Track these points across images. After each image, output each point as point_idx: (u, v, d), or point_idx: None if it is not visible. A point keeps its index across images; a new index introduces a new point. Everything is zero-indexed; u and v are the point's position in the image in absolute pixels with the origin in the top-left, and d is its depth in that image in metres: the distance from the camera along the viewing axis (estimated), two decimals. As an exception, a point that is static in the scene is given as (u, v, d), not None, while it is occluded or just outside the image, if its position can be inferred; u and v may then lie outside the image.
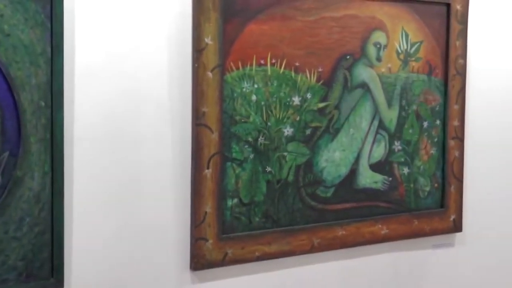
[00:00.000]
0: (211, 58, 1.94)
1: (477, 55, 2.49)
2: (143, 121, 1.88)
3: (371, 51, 2.24)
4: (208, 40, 1.93)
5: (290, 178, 2.11)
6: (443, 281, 2.50)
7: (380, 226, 2.29)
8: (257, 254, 2.06)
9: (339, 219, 2.22)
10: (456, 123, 2.43)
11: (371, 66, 2.24)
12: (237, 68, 2.00)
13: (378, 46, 2.25)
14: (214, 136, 1.96)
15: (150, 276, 1.92)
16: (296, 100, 2.10)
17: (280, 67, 2.07)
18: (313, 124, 2.15)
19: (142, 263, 1.91)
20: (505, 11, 2.55)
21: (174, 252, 1.96)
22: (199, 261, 1.97)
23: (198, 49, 1.92)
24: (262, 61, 2.03)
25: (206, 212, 1.96)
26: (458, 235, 2.50)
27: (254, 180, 2.05)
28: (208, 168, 1.96)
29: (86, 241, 1.81)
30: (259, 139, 2.05)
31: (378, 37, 2.25)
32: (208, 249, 1.98)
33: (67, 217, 1.76)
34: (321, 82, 2.15)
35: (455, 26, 2.39)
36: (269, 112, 2.06)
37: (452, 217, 2.45)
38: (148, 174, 1.90)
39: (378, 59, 2.26)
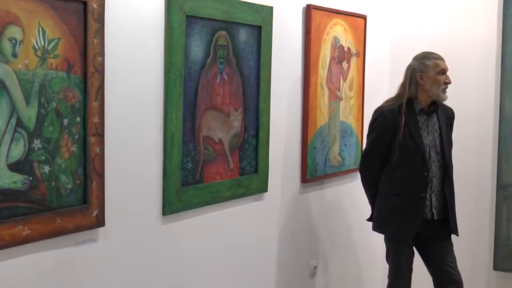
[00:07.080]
0: None
1: (114, 53, 2.56)
2: None
3: (6, 46, 2.15)
4: None
5: None
6: (90, 276, 2.53)
7: (21, 227, 2.22)
8: None
9: (-24, 223, 2.11)
10: (96, 119, 2.46)
11: (7, 62, 2.16)
12: None
13: (13, 41, 2.17)
14: None
15: None
16: None
17: None
18: None
19: None
20: (139, 12, 2.67)
21: None
22: None
23: None
24: None
25: None
26: (101, 229, 2.55)
27: None
28: None
29: None
30: None
31: (13, 32, 2.17)
32: None
33: None
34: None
35: (92, 24, 2.42)
36: None
37: (95, 212, 2.49)
38: None
39: (14, 55, 2.18)
